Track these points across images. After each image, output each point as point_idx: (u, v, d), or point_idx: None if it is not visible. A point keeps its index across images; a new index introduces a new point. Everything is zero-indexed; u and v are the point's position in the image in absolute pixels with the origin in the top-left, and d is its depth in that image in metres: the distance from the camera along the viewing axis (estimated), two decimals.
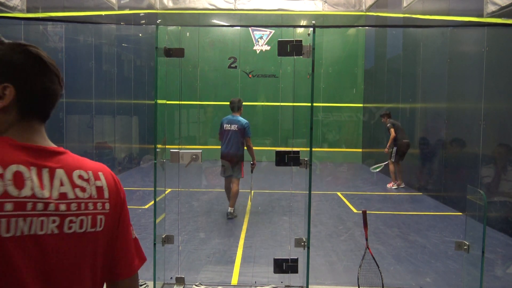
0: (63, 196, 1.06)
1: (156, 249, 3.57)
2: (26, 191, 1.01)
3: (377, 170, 9.85)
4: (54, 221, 1.04)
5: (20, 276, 0.99)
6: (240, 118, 6.44)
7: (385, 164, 9.69)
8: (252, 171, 6.52)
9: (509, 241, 5.58)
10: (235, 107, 6.50)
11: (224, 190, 6.79)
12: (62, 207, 1.06)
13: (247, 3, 13.85)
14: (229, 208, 6.49)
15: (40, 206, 1.02)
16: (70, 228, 1.06)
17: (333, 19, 13.70)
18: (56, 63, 1.18)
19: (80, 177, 1.11)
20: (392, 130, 9.32)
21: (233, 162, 6.40)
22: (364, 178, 11.10)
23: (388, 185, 9.49)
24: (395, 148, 9.35)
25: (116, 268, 1.20)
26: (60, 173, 1.08)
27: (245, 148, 6.44)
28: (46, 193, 1.04)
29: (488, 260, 4.61)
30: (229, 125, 6.41)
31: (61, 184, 1.07)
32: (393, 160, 9.37)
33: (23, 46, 1.12)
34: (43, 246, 1.02)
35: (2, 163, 1.01)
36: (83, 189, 1.10)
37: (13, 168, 1.01)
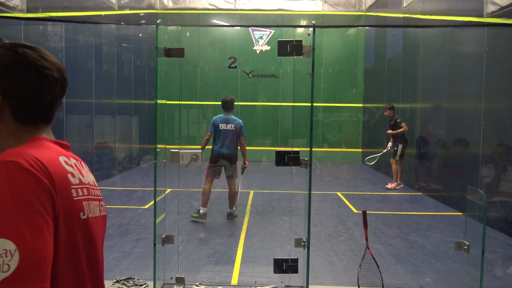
0: (93, 183, 1.21)
1: (156, 249, 3.57)
2: (86, 179, 1.15)
3: (373, 162, 9.65)
4: (97, 205, 1.18)
5: (97, 254, 1.15)
6: (235, 117, 6.36)
7: (380, 155, 9.51)
8: (242, 172, 6.47)
9: (509, 241, 5.57)
10: (229, 106, 6.36)
11: (205, 188, 6.30)
12: (97, 192, 1.21)
13: (247, 3, 13.84)
14: (229, 209, 6.48)
15: (92, 191, 1.16)
16: (101, 211, 1.21)
17: (333, 19, 13.69)
18: (53, 61, 1.14)
19: (88, 169, 1.24)
20: (404, 124, 9.12)
21: (230, 162, 6.34)
22: (364, 178, 11.10)
23: (390, 185, 9.25)
24: (400, 146, 9.11)
25: None
26: (83, 164, 1.21)
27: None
28: (90, 181, 1.18)
29: (488, 260, 4.61)
30: (225, 124, 6.24)
31: (88, 173, 1.20)
32: (397, 159, 9.15)
33: (14, 48, 1.09)
34: (97, 226, 1.16)
35: (65, 155, 1.11)
36: (93, 178, 1.24)
37: (73, 160, 1.13)
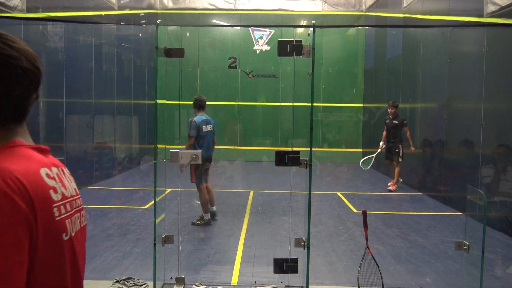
0: (76, 191, 1.10)
1: (156, 249, 3.57)
2: (68, 190, 1.05)
3: (369, 166, 9.44)
4: (78, 217, 1.08)
5: (79, 271, 1.07)
6: (209, 116, 6.19)
7: (374, 156, 9.40)
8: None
9: (509, 241, 5.58)
10: (204, 105, 6.13)
11: (203, 195, 6.11)
12: (79, 202, 1.11)
13: (247, 3, 13.84)
14: (213, 207, 6.36)
15: (74, 203, 1.07)
16: (81, 222, 1.11)
17: (333, 19, 13.69)
18: (21, 48, 0.99)
19: (70, 174, 1.14)
20: (407, 128, 8.94)
21: (210, 164, 6.18)
22: (364, 178, 11.09)
23: (392, 187, 9.07)
24: (400, 147, 8.96)
25: None
26: (65, 171, 1.10)
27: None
28: (72, 191, 1.08)
29: (488, 260, 4.61)
30: (206, 126, 6.02)
31: (70, 181, 1.10)
32: (401, 160, 8.99)
33: None
34: (79, 243, 1.07)
35: (47, 165, 0.99)
36: (75, 184, 1.13)
37: (54, 170, 1.02)
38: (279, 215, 6.85)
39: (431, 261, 4.83)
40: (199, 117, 6.00)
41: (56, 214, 0.96)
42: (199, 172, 5.99)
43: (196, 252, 5.02)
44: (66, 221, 0.99)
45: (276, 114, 13.67)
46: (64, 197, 1.01)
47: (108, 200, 8.01)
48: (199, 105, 6.08)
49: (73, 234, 1.02)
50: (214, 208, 6.39)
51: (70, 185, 1.07)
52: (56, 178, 1.01)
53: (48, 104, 7.76)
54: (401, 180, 9.27)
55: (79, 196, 1.11)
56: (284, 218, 6.61)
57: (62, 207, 0.98)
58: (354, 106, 14.13)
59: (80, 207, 1.10)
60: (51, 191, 0.96)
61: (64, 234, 0.98)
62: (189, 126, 5.92)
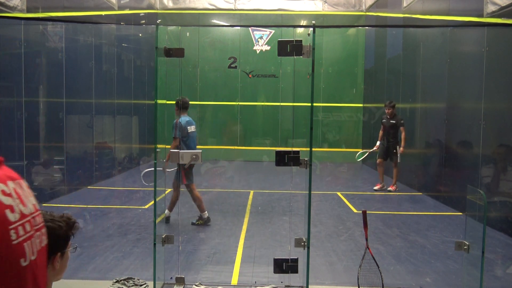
0: (35, 208, 0.96)
1: (156, 249, 3.57)
2: (27, 207, 0.92)
3: (361, 158, 9.80)
4: (39, 236, 0.96)
5: None
6: (191, 118, 6.16)
7: (369, 152, 9.54)
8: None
9: (509, 241, 5.57)
10: (188, 106, 6.11)
11: (197, 196, 6.07)
12: (39, 219, 0.97)
13: (247, 3, 13.84)
14: (170, 212, 6.03)
15: (34, 221, 0.94)
16: (42, 241, 0.97)
17: (333, 19, 13.69)
18: None
19: (28, 187, 1.00)
20: (403, 128, 8.87)
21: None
22: (364, 178, 11.10)
23: (392, 188, 9.04)
24: (398, 147, 8.94)
25: None
26: (23, 184, 0.96)
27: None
28: (31, 207, 0.94)
29: (488, 260, 4.61)
30: (190, 126, 5.98)
31: (28, 196, 0.96)
32: (399, 161, 8.92)
33: None
34: (38, 263, 0.93)
35: (2, 180, 0.87)
36: (34, 199, 1.00)
37: (11, 184, 0.89)
38: (279, 215, 6.85)
39: (431, 261, 4.83)
40: (183, 118, 5.96)
41: (14, 237, 0.83)
42: (189, 173, 5.95)
43: (196, 252, 5.02)
44: (25, 244, 0.87)
45: (276, 114, 13.67)
46: (22, 216, 0.88)
47: (108, 200, 8.01)
48: (183, 106, 6.04)
49: (33, 258, 0.90)
50: (168, 213, 5.97)
51: (29, 200, 0.94)
52: (13, 194, 0.88)
53: (48, 104, 7.76)
54: (384, 184, 9.14)
55: (39, 212, 0.98)
56: (284, 218, 6.61)
57: (20, 228, 0.86)
58: (354, 106, 14.13)
59: (40, 225, 0.97)
60: (7, 211, 0.84)
61: (22, 260, 0.86)
62: (174, 127, 5.82)
